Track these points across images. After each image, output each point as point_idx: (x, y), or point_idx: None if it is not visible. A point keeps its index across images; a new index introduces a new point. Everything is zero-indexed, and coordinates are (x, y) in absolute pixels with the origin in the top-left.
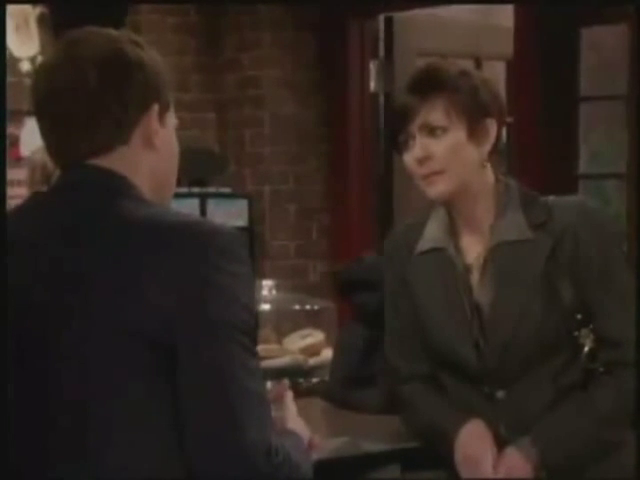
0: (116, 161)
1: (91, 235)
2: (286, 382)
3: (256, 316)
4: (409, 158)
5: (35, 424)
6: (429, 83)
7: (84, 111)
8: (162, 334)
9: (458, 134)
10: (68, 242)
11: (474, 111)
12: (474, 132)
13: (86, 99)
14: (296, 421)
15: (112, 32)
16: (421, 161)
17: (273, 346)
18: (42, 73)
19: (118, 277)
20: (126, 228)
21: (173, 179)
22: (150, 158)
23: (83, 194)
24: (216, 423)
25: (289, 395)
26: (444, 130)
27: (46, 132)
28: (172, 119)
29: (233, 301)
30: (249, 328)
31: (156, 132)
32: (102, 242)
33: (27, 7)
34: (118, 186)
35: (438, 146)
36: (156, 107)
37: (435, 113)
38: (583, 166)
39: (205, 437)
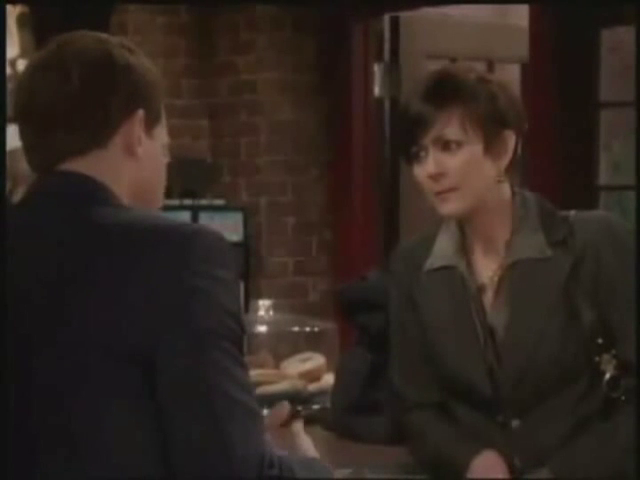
0: (93, 165)
1: (69, 245)
2: (286, 404)
3: (242, 324)
4: (421, 172)
5: (21, 428)
6: (445, 91)
7: (63, 111)
8: (144, 344)
9: (474, 148)
10: (46, 253)
11: (492, 123)
12: (491, 146)
13: (67, 98)
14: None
15: (102, 35)
16: (434, 177)
17: (270, 371)
18: (26, 74)
19: (98, 287)
20: (105, 235)
21: (158, 194)
22: (131, 166)
23: (60, 202)
24: (202, 438)
25: (298, 425)
26: (459, 144)
27: (25, 133)
28: (162, 134)
29: (217, 307)
30: (235, 336)
31: (139, 140)
32: (81, 251)
33: (7, 6)
34: (95, 192)
35: (453, 161)
36: (141, 113)
37: (451, 126)
38: (604, 177)
39: (191, 453)
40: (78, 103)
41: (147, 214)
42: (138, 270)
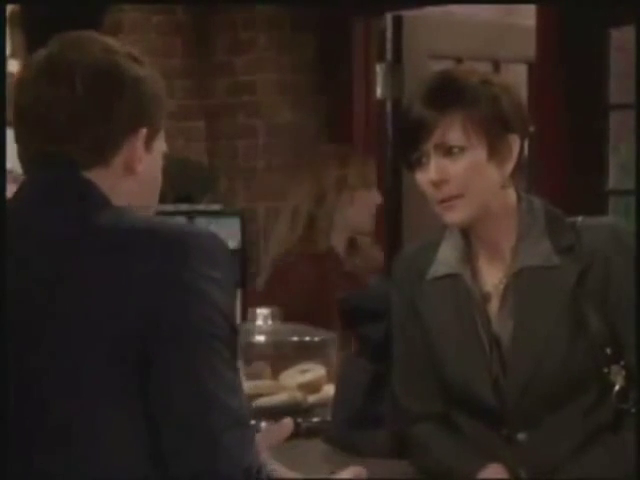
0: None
1: (69, 243)
2: (289, 422)
3: (235, 325)
4: (423, 179)
5: (18, 428)
6: (447, 95)
7: (65, 122)
8: (138, 341)
9: (477, 153)
10: (46, 252)
11: (495, 127)
12: (495, 150)
13: (69, 109)
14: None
15: (110, 41)
16: (437, 184)
17: (268, 382)
18: (27, 75)
19: (92, 287)
20: (101, 237)
21: (152, 207)
22: (129, 184)
23: (59, 203)
24: (192, 441)
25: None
26: (462, 150)
27: (23, 140)
28: (161, 145)
29: (210, 306)
30: (227, 337)
31: (140, 159)
32: (77, 253)
33: None
34: (95, 194)
35: (455, 168)
36: (144, 132)
37: (453, 131)
38: (613, 181)
39: (180, 455)
40: (81, 116)
41: (144, 217)
42: (133, 270)
